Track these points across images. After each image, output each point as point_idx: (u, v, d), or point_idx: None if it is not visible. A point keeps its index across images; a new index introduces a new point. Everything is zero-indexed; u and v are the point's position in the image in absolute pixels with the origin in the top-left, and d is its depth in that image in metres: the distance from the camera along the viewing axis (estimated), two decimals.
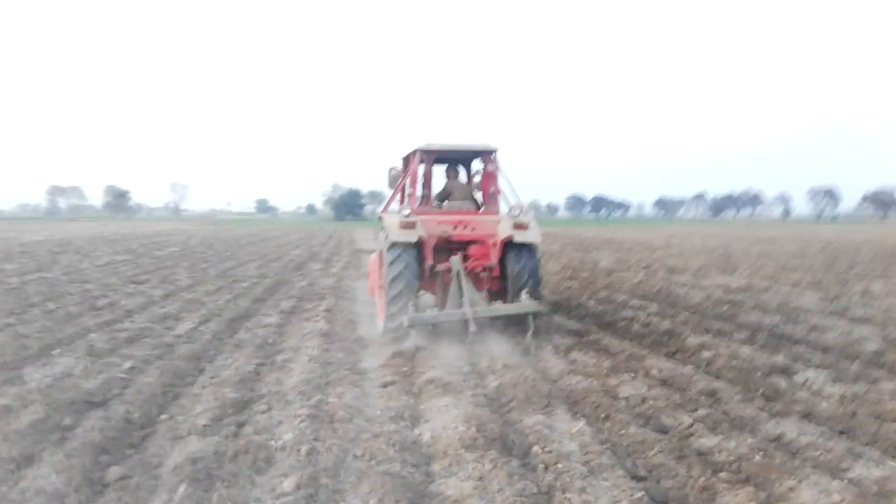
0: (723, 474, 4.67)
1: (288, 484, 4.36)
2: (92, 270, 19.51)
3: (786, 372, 7.50)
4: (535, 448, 5.13)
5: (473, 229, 9.85)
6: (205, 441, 5.27)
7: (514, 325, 9.29)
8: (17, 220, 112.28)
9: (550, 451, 5.00)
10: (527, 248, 9.56)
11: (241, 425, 5.68)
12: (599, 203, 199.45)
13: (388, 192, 11.21)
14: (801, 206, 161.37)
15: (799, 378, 7.25)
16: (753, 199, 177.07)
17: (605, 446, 5.21)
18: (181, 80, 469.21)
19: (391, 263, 9.15)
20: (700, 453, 5.13)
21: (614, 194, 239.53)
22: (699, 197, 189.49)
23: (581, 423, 5.67)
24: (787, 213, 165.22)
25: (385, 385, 6.99)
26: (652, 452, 5.06)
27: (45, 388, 6.68)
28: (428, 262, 9.58)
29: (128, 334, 9.51)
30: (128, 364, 7.69)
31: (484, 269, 9.73)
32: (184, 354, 8.27)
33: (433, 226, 9.66)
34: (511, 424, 5.80)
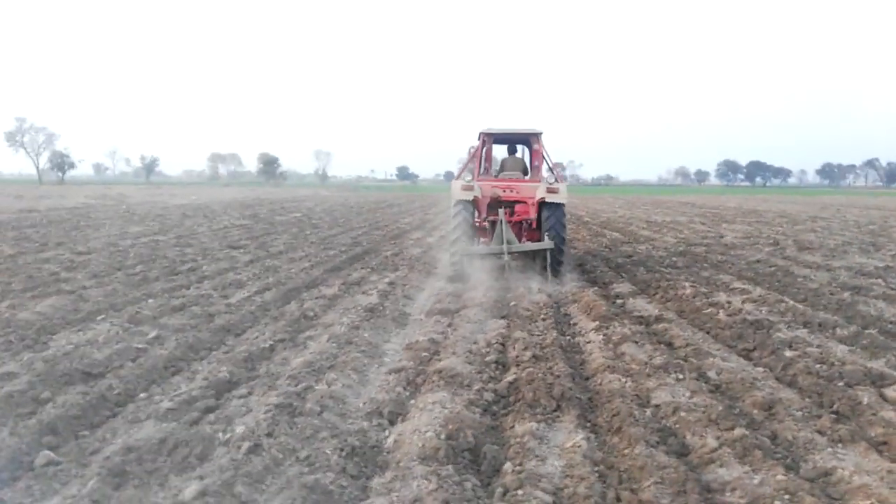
0: None
1: (191, 490, 3.85)
2: (204, 234, 20.28)
3: (878, 382, 6.07)
4: (507, 465, 4.32)
5: (518, 192, 12.85)
6: (158, 427, 4.89)
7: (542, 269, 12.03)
8: (182, 185, 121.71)
9: (522, 472, 4.17)
10: (556, 206, 12.09)
11: (208, 411, 5.27)
12: (755, 169, 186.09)
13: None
14: None
15: (893, 392, 5.83)
16: None
17: (594, 469, 4.29)
18: (328, 51, 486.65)
19: (454, 215, 12.25)
20: (708, 490, 4.09)
21: (773, 160, 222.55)
22: (870, 163, 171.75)
23: (580, 436, 4.76)
24: None
25: (391, 372, 6.37)
26: (648, 483, 4.09)
27: (60, 356, 6.64)
28: (482, 215, 12.74)
29: (182, 301, 9.49)
30: (153, 333, 7.58)
31: (524, 221, 12.81)
32: (216, 326, 8.05)
33: (487, 189, 12.71)
34: (497, 432, 5.00)
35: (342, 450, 4.42)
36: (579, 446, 4.59)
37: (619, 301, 10.22)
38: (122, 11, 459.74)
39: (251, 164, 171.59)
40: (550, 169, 13.21)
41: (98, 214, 29.57)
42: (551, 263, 11.86)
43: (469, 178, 12.57)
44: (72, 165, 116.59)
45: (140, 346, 7.09)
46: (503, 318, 8.82)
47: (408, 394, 5.76)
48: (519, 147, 14.21)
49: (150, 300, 9.65)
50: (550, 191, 12.08)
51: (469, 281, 11.74)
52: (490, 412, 5.37)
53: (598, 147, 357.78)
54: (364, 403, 5.46)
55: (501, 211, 12.05)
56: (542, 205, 12.36)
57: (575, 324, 8.79)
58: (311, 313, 8.90)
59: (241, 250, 15.99)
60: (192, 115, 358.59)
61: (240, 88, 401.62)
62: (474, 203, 12.41)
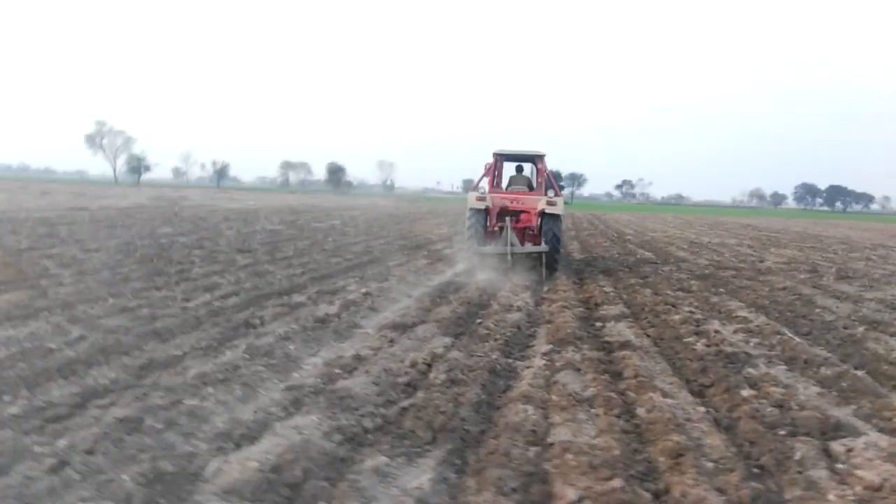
0: None
1: None
2: (225, 237, 20.33)
3: (830, 433, 5.19)
4: None
5: (523, 204, 14.97)
6: None
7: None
8: (250, 190, 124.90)
9: None
10: (554, 217, 14.19)
11: (53, 420, 4.85)
12: (835, 194, 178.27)
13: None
14: None
15: (840, 446, 4.95)
16: None
17: None
18: (399, 65, 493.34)
19: (468, 221, 14.56)
20: None
21: (856, 185, 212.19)
22: None
23: (428, 476, 4.16)
24: None
25: (287, 389, 5.87)
26: None
27: None
28: (493, 222, 14.89)
29: (139, 302, 9.29)
30: (77, 334, 7.34)
31: (528, 229, 14.90)
32: (150, 330, 7.74)
33: (497, 200, 14.98)
34: (343, 466, 4.40)
35: (146, 476, 3.95)
36: (421, 488, 3.99)
37: (598, 324, 9.46)
38: (202, 23, 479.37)
39: (321, 173, 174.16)
40: (552, 185, 15.45)
41: (143, 215, 30.30)
42: (547, 263, 14.14)
43: (482, 190, 15.19)
44: (147, 168, 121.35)
45: (53, 346, 6.83)
46: (457, 335, 8.22)
47: (282, 415, 5.24)
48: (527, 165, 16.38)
49: (111, 299, 9.47)
50: (550, 203, 14.30)
51: (451, 294, 11.20)
52: (355, 442, 4.80)
53: (670, 165, 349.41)
54: (223, 423, 4.97)
55: (508, 219, 14.21)
56: (542, 215, 14.43)
57: (531, 346, 8.11)
58: (257, 321, 8.51)
59: (247, 254, 15.86)
60: (267, 123, 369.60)
61: (313, 99, 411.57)
62: (486, 211, 14.68)
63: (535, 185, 15.83)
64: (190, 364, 6.45)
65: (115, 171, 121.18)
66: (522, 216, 14.85)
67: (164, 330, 7.82)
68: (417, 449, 4.67)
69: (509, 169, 16.49)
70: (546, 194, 14.86)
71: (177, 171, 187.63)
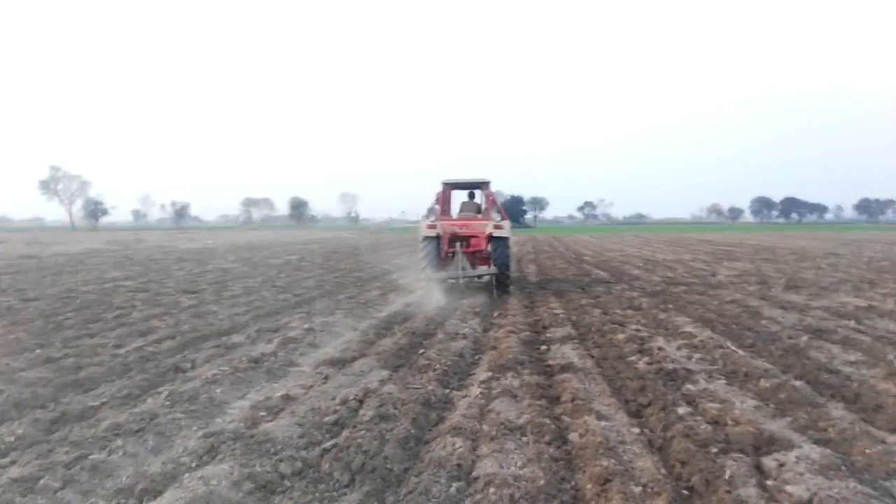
0: None
1: None
2: (176, 278, 19.85)
3: (764, 448, 5.11)
4: None
5: (471, 229, 15.65)
6: None
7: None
8: (212, 229, 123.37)
9: None
10: (502, 240, 14.77)
11: None
12: (790, 206, 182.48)
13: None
14: None
15: (772, 461, 4.85)
16: None
17: None
18: (361, 97, 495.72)
19: (421, 248, 15.10)
20: None
21: (810, 196, 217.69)
22: None
23: None
24: None
25: (205, 436, 5.57)
26: None
27: None
28: (444, 248, 15.27)
29: (68, 352, 8.89)
30: None
31: (478, 252, 15.49)
32: (72, 380, 7.39)
33: (448, 226, 15.55)
34: None
35: None
36: None
37: (542, 348, 9.32)
38: (155, 63, 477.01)
39: (284, 208, 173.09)
40: (498, 210, 15.81)
41: (94, 260, 29.54)
42: (497, 284, 14.91)
43: (433, 218, 15.50)
44: (105, 212, 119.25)
45: None
46: (396, 368, 8.01)
47: (193, 465, 4.97)
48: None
49: (38, 350, 9.06)
50: (497, 227, 14.87)
51: (397, 325, 11.00)
52: (266, 490, 4.55)
53: (630, 185, 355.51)
54: (127, 478, 4.68)
55: (458, 244, 14.97)
56: (491, 238, 14.98)
57: (471, 374, 7.93)
58: (188, 365, 8.19)
59: (193, 295, 15.44)
60: (227, 161, 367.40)
61: (273, 135, 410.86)
62: (438, 238, 15.15)
63: (481, 210, 16.69)
64: (105, 415, 6.12)
65: (70, 216, 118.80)
66: (472, 241, 15.60)
67: (87, 379, 7.48)
68: (332, 493, 4.43)
69: (462, 197, 17.37)
70: (492, 219, 15.29)
71: (136, 214, 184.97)
